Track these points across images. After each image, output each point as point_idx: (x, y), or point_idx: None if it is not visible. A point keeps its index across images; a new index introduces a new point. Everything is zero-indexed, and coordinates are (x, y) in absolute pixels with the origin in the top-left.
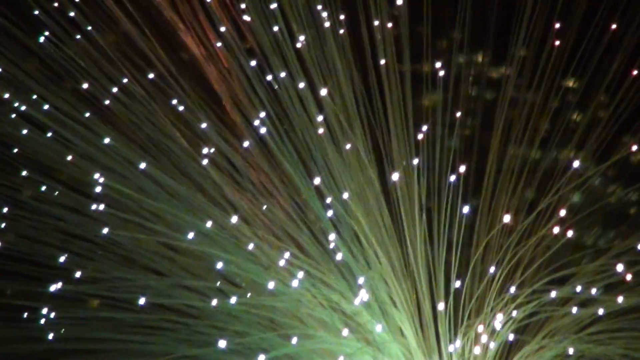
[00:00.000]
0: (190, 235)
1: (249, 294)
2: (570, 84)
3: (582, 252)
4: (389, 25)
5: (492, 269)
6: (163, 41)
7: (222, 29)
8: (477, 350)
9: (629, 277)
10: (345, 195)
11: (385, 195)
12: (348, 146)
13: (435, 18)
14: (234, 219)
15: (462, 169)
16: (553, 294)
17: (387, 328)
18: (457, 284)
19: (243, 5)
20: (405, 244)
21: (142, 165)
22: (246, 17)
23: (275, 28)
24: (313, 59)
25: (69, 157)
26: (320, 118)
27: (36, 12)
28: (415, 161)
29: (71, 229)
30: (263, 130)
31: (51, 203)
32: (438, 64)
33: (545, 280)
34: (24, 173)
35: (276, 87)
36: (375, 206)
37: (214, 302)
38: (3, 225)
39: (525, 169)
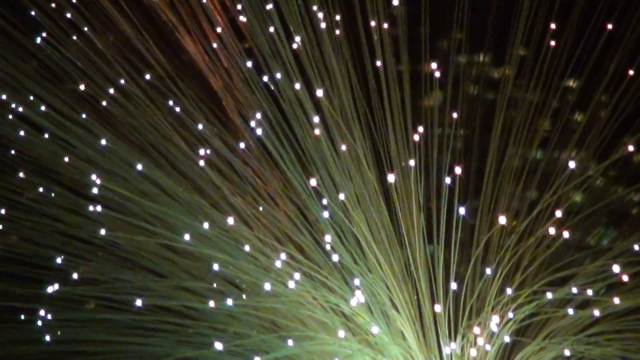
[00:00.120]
0: (189, 237)
1: (244, 296)
2: (571, 83)
3: (582, 253)
4: (385, 26)
5: (489, 271)
6: (162, 42)
7: (219, 29)
8: (476, 351)
9: (625, 278)
10: (342, 197)
11: (384, 197)
12: (344, 147)
13: (434, 18)
14: (231, 220)
15: (458, 170)
16: (549, 295)
17: (387, 329)
18: (454, 285)
19: (239, 6)
20: (404, 245)
21: (140, 167)
22: (242, 18)
23: (272, 29)
24: (311, 60)
25: (66, 159)
26: (316, 119)
27: (32, 13)
28: (412, 162)
29: (69, 230)
30: (259, 132)
31: (49, 204)
32: (437, 65)
33: (545, 281)
34: (21, 175)
35: (272, 87)
36: (375, 207)
37: (212, 303)
38: (0, 227)
39: (524, 169)
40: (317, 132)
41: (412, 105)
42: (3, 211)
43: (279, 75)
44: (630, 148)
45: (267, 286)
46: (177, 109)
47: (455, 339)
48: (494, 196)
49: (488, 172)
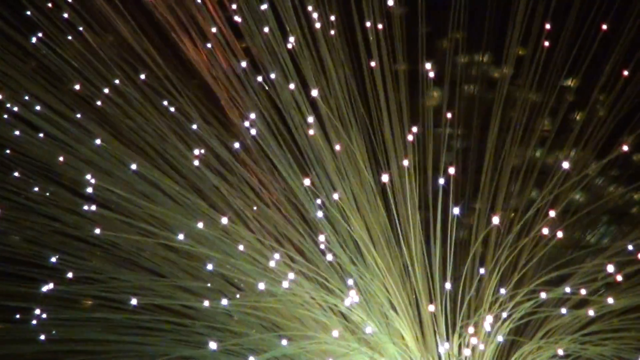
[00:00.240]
0: (184, 236)
1: (238, 295)
2: (570, 83)
3: (581, 252)
4: (380, 27)
5: (482, 270)
6: (161, 42)
7: (214, 29)
8: (476, 349)
9: (619, 277)
10: (336, 196)
11: (381, 196)
12: (338, 148)
13: (431, 18)
14: (226, 220)
15: (452, 170)
16: (543, 294)
17: (385, 329)
18: (448, 285)
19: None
20: (402, 245)
21: (136, 166)
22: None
23: (266, 29)
24: (308, 59)
25: (62, 158)
26: (310, 119)
27: (28, 13)
28: (406, 162)
29: (66, 229)
30: (256, 131)
31: (45, 204)
32: (432, 64)
33: (541, 281)
34: (16, 174)
35: (268, 87)
36: (372, 207)
37: (206, 303)
38: None
39: (522, 168)
40: (311, 132)
41: (410, 105)
42: None
43: (274, 75)
44: (625, 148)
45: (261, 285)
46: (173, 109)
47: (452, 339)
48: (490, 195)
49: (485, 171)
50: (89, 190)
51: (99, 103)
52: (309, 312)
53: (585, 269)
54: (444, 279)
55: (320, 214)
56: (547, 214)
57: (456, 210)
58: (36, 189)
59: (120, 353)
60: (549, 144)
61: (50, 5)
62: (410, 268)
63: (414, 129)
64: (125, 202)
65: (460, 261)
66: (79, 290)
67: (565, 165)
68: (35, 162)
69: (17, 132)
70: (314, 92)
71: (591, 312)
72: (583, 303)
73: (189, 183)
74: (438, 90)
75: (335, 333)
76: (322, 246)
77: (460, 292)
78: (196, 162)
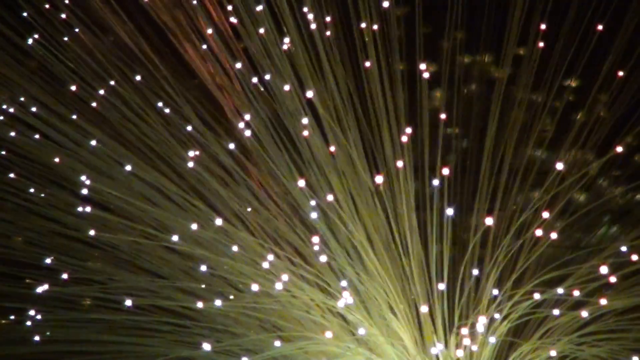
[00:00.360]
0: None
1: (232, 297)
2: (571, 83)
3: (578, 253)
4: (375, 27)
5: (475, 271)
6: (160, 42)
7: (209, 31)
8: (473, 349)
9: (613, 279)
10: (330, 197)
11: (379, 197)
12: (332, 149)
13: (430, 18)
14: (222, 221)
15: (446, 171)
16: (537, 295)
17: (382, 329)
18: (442, 286)
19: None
20: (399, 245)
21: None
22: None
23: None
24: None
25: (57, 159)
26: (305, 121)
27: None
28: (400, 163)
29: (62, 230)
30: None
31: (41, 204)
32: (424, 65)
33: (537, 281)
34: (12, 175)
35: (266, 87)
36: (369, 208)
37: (200, 304)
38: None
39: (520, 168)
40: (305, 133)
41: (409, 106)
42: None
43: (271, 76)
44: (619, 149)
45: (255, 287)
46: (167, 110)
47: (450, 339)
48: (488, 196)
49: (483, 171)
50: (87, 191)
51: (96, 104)
52: (308, 314)
53: (583, 270)
54: (441, 279)
55: (314, 215)
56: (546, 214)
57: (450, 211)
58: (32, 190)
59: (119, 354)
60: (546, 144)
61: (47, 6)
62: (407, 269)
63: (408, 130)
64: (124, 203)
65: (459, 262)
66: (76, 292)
67: (560, 166)
68: (31, 162)
69: (12, 133)
70: (309, 94)
71: (585, 314)
72: (584, 303)
73: (188, 185)
74: (438, 91)
75: (328, 334)
76: (316, 247)
77: (458, 292)
78: (193, 164)
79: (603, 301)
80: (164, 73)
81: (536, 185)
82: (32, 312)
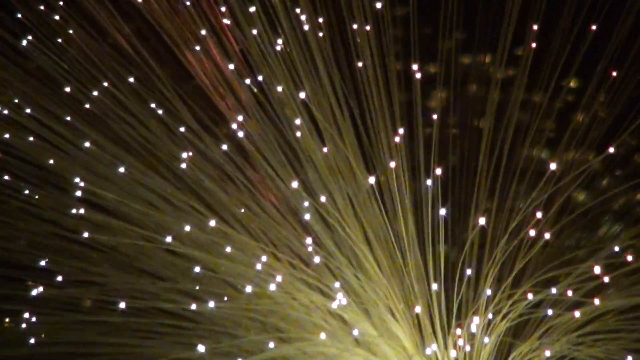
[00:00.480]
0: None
1: (226, 298)
2: (572, 83)
3: (572, 253)
4: (367, 28)
5: (469, 271)
6: (157, 43)
7: (203, 32)
8: (472, 349)
9: (606, 279)
10: (323, 199)
11: (376, 197)
12: (325, 150)
13: (427, 18)
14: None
15: (439, 171)
16: (530, 296)
17: (381, 331)
18: (435, 286)
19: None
20: (396, 246)
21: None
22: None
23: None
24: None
25: (51, 161)
26: (297, 122)
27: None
28: (392, 164)
29: (58, 231)
30: (240, 134)
31: (38, 206)
32: (417, 66)
33: (536, 282)
34: (6, 177)
35: (260, 88)
36: (366, 208)
37: (193, 306)
38: None
39: (517, 168)
40: (298, 134)
41: (408, 106)
42: None
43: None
44: (611, 150)
45: (248, 288)
46: (161, 111)
47: (448, 339)
48: (485, 196)
49: (480, 171)
50: (81, 193)
51: (90, 105)
52: (309, 316)
53: (582, 269)
54: (437, 280)
55: (307, 216)
56: (544, 215)
57: (443, 211)
58: (27, 191)
59: (117, 355)
60: (543, 143)
61: (42, 7)
62: (405, 269)
63: (400, 131)
64: (122, 205)
65: (458, 262)
66: (73, 294)
67: (553, 166)
68: (26, 164)
69: (7, 135)
70: (302, 95)
71: (577, 314)
72: (584, 303)
73: (187, 187)
74: (436, 91)
75: (322, 335)
76: (310, 248)
77: (456, 293)
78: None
79: (597, 301)
80: (159, 74)
81: (536, 186)
82: (27, 315)
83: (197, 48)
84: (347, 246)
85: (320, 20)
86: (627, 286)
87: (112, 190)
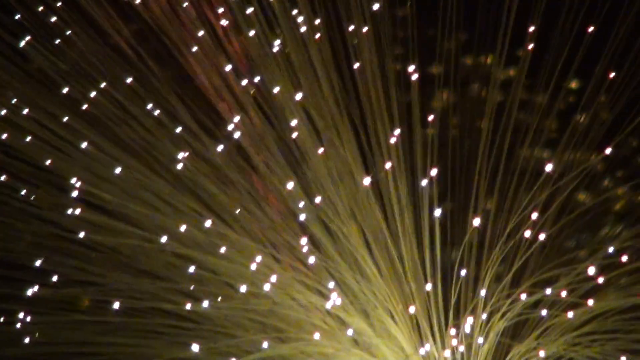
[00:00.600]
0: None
1: (219, 298)
2: (572, 85)
3: (570, 254)
4: (365, 29)
5: (464, 272)
6: (158, 44)
7: (201, 33)
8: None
9: (601, 280)
10: (318, 199)
11: (375, 198)
12: (321, 150)
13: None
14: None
15: (434, 172)
16: (524, 296)
17: (378, 331)
18: (429, 287)
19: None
20: (393, 245)
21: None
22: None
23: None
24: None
25: (49, 161)
26: (293, 123)
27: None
28: (388, 165)
29: (56, 231)
30: (237, 135)
31: (34, 205)
32: (414, 67)
33: (534, 282)
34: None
35: (258, 90)
36: (365, 209)
37: (188, 306)
38: None
39: (516, 169)
40: (296, 135)
41: (406, 106)
42: None
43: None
44: (608, 151)
45: (243, 288)
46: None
47: (445, 339)
48: (484, 197)
49: (478, 172)
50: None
51: (89, 106)
52: (306, 315)
53: (580, 269)
54: (434, 280)
55: (302, 216)
56: (543, 215)
57: (437, 212)
58: (24, 191)
59: (114, 355)
60: (541, 143)
61: (41, 8)
62: (402, 270)
63: (397, 132)
64: (120, 206)
65: (456, 262)
66: (68, 293)
67: (549, 167)
68: (24, 164)
69: (5, 135)
70: (298, 96)
71: (571, 315)
72: (583, 303)
73: (186, 187)
74: (435, 91)
75: (316, 335)
76: (305, 248)
77: (454, 293)
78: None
79: (590, 302)
80: (157, 74)
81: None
82: (22, 315)
83: (196, 49)
84: (345, 247)
85: (318, 21)
86: (625, 287)
87: (111, 191)
